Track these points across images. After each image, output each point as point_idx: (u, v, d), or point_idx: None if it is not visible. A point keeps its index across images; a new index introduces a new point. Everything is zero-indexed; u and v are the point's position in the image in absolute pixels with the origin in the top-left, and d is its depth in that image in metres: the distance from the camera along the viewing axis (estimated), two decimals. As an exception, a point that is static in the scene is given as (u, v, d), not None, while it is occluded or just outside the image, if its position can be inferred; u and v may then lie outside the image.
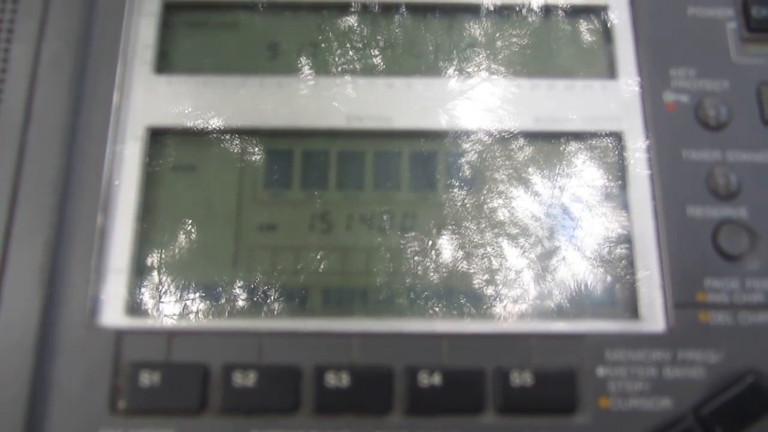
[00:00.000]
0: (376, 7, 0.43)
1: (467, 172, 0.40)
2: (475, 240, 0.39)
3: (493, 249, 0.39)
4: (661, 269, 0.38)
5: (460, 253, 0.39)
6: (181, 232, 0.39)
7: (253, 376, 0.35)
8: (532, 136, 0.40)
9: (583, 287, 0.38)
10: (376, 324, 0.37)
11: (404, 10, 0.43)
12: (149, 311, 0.37)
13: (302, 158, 0.40)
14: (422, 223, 0.39)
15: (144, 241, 0.38)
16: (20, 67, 0.39)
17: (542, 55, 0.42)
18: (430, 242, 0.39)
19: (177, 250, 0.38)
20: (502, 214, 0.39)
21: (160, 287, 0.38)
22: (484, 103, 0.41)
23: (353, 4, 0.43)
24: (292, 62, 0.42)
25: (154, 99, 0.40)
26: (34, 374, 0.35)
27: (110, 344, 0.36)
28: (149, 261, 0.38)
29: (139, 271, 0.38)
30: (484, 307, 0.38)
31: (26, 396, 0.35)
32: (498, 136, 0.40)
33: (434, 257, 0.38)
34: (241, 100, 0.40)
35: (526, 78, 0.41)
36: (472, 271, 0.38)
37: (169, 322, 0.37)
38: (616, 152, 0.40)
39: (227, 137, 0.40)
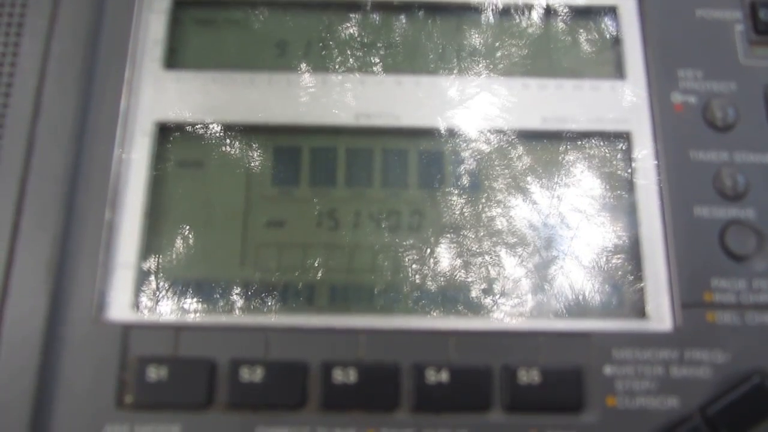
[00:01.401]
0: (384, 6, 0.43)
1: (474, 170, 0.40)
2: (483, 238, 0.39)
3: (500, 247, 0.39)
4: (668, 269, 0.38)
5: (468, 251, 0.39)
6: (189, 228, 0.39)
7: (260, 371, 0.35)
8: (539, 136, 0.40)
9: (590, 286, 0.38)
10: (383, 321, 0.37)
11: (413, 8, 0.43)
12: (156, 306, 0.37)
13: (310, 155, 0.40)
14: (430, 220, 0.39)
15: (151, 236, 0.38)
16: (30, 63, 0.39)
17: (550, 55, 0.42)
18: (438, 240, 0.39)
19: (184, 246, 0.38)
20: (508, 213, 0.39)
21: (167, 282, 0.38)
22: (492, 102, 0.41)
23: (361, 3, 0.43)
24: (301, 59, 0.42)
25: (162, 95, 0.40)
26: (41, 368, 0.35)
27: (117, 339, 0.36)
28: (156, 256, 0.38)
29: (146, 266, 0.38)
30: (492, 304, 0.38)
31: (33, 390, 0.35)
32: (505, 135, 0.40)
33: (442, 255, 0.38)
34: (249, 96, 0.40)
35: (534, 78, 0.41)
36: (479, 269, 0.38)
37: (176, 317, 0.37)
38: (624, 152, 0.40)
39: (235, 133, 0.40)
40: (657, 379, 0.36)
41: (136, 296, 0.37)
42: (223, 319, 0.37)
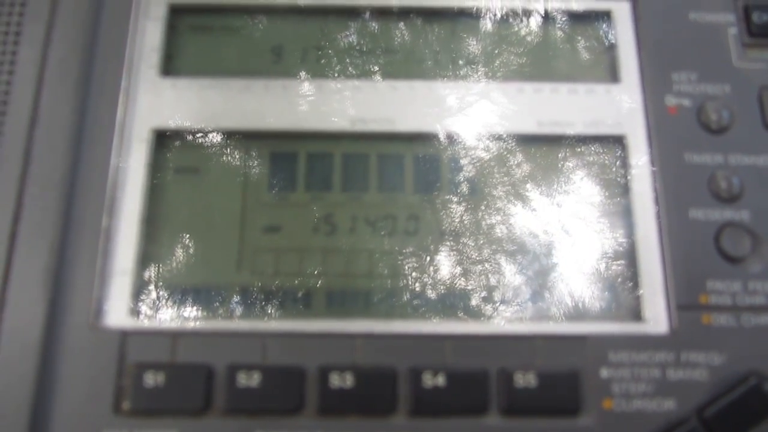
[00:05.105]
0: (380, 12, 0.43)
1: (470, 174, 0.40)
2: (479, 242, 0.39)
3: (496, 251, 0.39)
4: (664, 271, 0.38)
5: (464, 255, 0.39)
6: (186, 234, 0.39)
7: (258, 376, 0.35)
8: (534, 140, 0.41)
9: (586, 289, 0.38)
10: (379, 325, 0.37)
11: (409, 14, 0.43)
12: (154, 312, 0.37)
13: (306, 161, 0.40)
14: (426, 225, 0.39)
15: (149, 243, 0.38)
16: (27, 70, 0.39)
17: (545, 59, 0.42)
18: (434, 244, 0.39)
19: (181, 252, 0.38)
20: (504, 218, 0.39)
21: (165, 289, 0.38)
22: (487, 106, 0.41)
23: (357, 9, 0.43)
24: (297, 65, 0.42)
25: (159, 102, 0.40)
26: (39, 375, 0.35)
27: (115, 345, 0.36)
28: (154, 262, 0.38)
29: (143, 273, 0.38)
30: (488, 308, 0.38)
31: (31, 396, 0.35)
32: (501, 139, 0.41)
33: (438, 259, 0.39)
34: (245, 102, 0.41)
35: (529, 82, 0.41)
36: (475, 273, 0.38)
37: (173, 323, 0.37)
38: (619, 156, 0.40)
39: (232, 140, 0.40)
40: (653, 381, 0.36)
41: (134, 303, 0.37)
42: (220, 324, 0.37)
